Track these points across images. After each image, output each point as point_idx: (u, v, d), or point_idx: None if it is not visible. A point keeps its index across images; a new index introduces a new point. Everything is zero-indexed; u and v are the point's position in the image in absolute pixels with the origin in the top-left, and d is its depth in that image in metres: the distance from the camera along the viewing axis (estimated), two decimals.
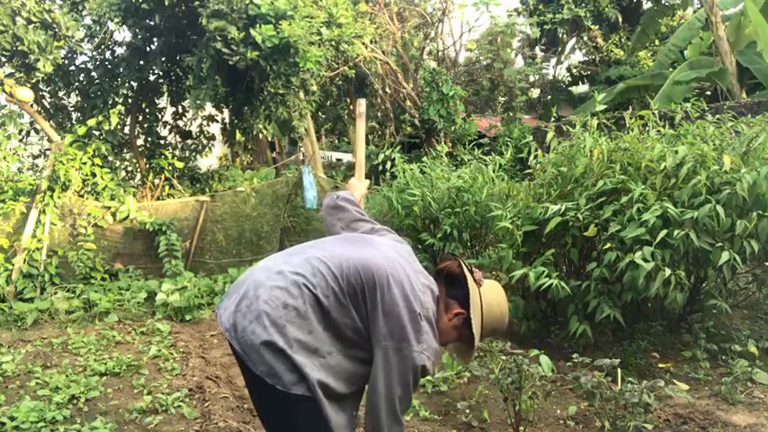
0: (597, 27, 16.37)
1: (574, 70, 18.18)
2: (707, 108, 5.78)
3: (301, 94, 7.53)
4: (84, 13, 7.61)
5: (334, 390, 1.88)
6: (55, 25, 6.77)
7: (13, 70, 6.83)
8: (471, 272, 2.09)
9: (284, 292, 1.87)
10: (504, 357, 3.33)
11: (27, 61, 6.58)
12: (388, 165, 6.85)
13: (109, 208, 7.10)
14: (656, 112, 4.95)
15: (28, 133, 8.47)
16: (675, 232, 3.74)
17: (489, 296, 2.08)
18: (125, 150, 8.92)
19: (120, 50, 8.32)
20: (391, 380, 1.87)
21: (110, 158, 7.93)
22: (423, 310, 1.93)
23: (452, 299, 2.05)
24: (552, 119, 9.16)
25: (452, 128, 11.64)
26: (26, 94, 6.76)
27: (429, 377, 3.90)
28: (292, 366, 1.81)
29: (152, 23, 7.81)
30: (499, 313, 2.10)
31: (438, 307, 2.02)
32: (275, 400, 1.86)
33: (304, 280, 1.89)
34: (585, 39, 17.16)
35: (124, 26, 7.68)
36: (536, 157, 5.03)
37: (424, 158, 6.99)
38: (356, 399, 2.02)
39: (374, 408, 1.88)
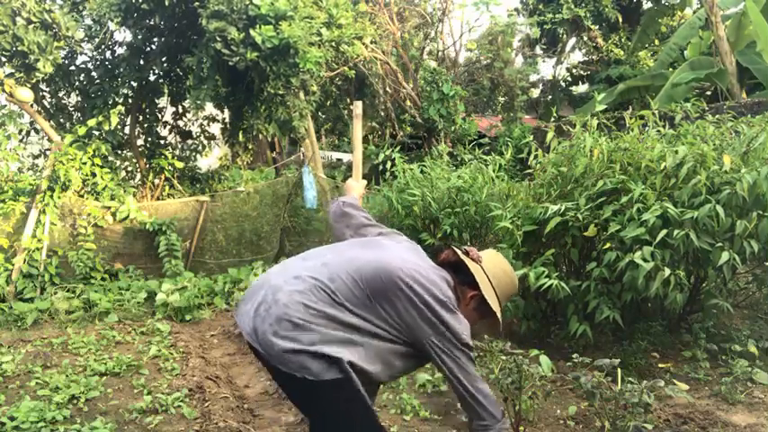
0: (597, 27, 16.36)
1: (574, 70, 18.17)
2: (706, 108, 5.77)
3: (301, 95, 7.53)
4: (85, 13, 7.61)
5: (369, 372, 1.93)
6: (55, 25, 6.77)
7: (14, 70, 6.83)
8: (467, 253, 2.17)
9: (303, 296, 1.91)
10: (504, 357, 3.33)
11: (27, 61, 6.58)
12: (389, 165, 6.84)
13: (109, 208, 7.10)
14: (656, 112, 4.95)
15: (28, 133, 8.47)
16: (675, 232, 3.74)
17: (492, 268, 2.18)
18: (125, 150, 8.91)
19: (120, 50, 8.33)
20: (455, 360, 1.98)
21: (110, 158, 7.93)
22: (447, 299, 2.00)
23: (463, 285, 2.14)
24: (552, 119, 9.16)
25: (452, 128, 11.64)
26: (26, 94, 6.76)
27: (429, 377, 3.92)
28: (320, 356, 1.85)
29: (152, 23, 7.82)
30: (508, 280, 2.21)
31: (456, 295, 2.10)
32: (311, 392, 1.89)
33: (321, 285, 1.93)
34: (585, 39, 17.15)
35: (124, 26, 7.67)
36: (536, 157, 5.03)
37: (425, 158, 6.99)
38: (377, 386, 2.15)
39: (463, 395, 2.01)
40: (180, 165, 8.88)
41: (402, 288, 1.95)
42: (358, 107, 2.93)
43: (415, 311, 1.94)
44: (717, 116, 5.03)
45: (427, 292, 1.96)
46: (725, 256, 3.67)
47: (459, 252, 2.17)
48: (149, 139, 9.07)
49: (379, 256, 2.04)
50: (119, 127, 8.14)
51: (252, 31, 6.62)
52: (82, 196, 7.08)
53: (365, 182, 2.78)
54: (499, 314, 2.15)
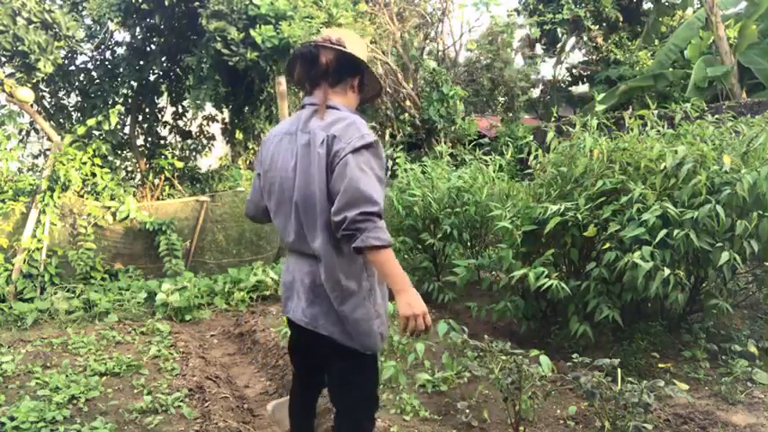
0: (597, 27, 16.34)
1: (574, 70, 18.16)
2: (706, 108, 5.77)
3: (301, 95, 7.52)
4: (84, 13, 7.62)
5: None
6: (55, 25, 6.77)
7: (14, 70, 6.84)
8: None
9: (301, 262, 2.21)
10: (504, 357, 3.33)
11: (27, 61, 6.59)
12: (389, 164, 6.84)
13: (109, 208, 7.10)
14: (655, 112, 4.94)
15: (28, 133, 8.48)
16: (675, 232, 3.74)
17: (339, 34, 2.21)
18: (125, 150, 8.92)
19: (120, 50, 8.34)
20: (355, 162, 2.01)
21: (110, 158, 7.94)
22: (349, 140, 1.99)
23: (341, 81, 2.17)
24: (552, 119, 9.16)
25: (452, 128, 11.64)
26: (26, 94, 6.76)
27: (429, 377, 3.91)
28: (366, 328, 2.06)
29: (152, 23, 7.82)
30: (351, 38, 2.23)
31: (343, 97, 2.18)
32: (353, 367, 2.14)
33: (297, 242, 2.19)
34: (585, 39, 17.14)
35: (124, 26, 7.68)
36: (536, 157, 5.03)
37: (425, 158, 6.99)
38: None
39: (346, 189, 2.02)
40: (180, 165, 8.88)
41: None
42: (281, 84, 2.86)
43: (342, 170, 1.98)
44: (716, 116, 5.03)
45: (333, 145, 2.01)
46: (725, 256, 3.66)
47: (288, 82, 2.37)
48: (149, 138, 9.08)
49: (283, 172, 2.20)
50: (119, 127, 8.15)
51: (252, 31, 6.62)
52: (82, 196, 7.09)
53: None
54: (365, 59, 2.20)
